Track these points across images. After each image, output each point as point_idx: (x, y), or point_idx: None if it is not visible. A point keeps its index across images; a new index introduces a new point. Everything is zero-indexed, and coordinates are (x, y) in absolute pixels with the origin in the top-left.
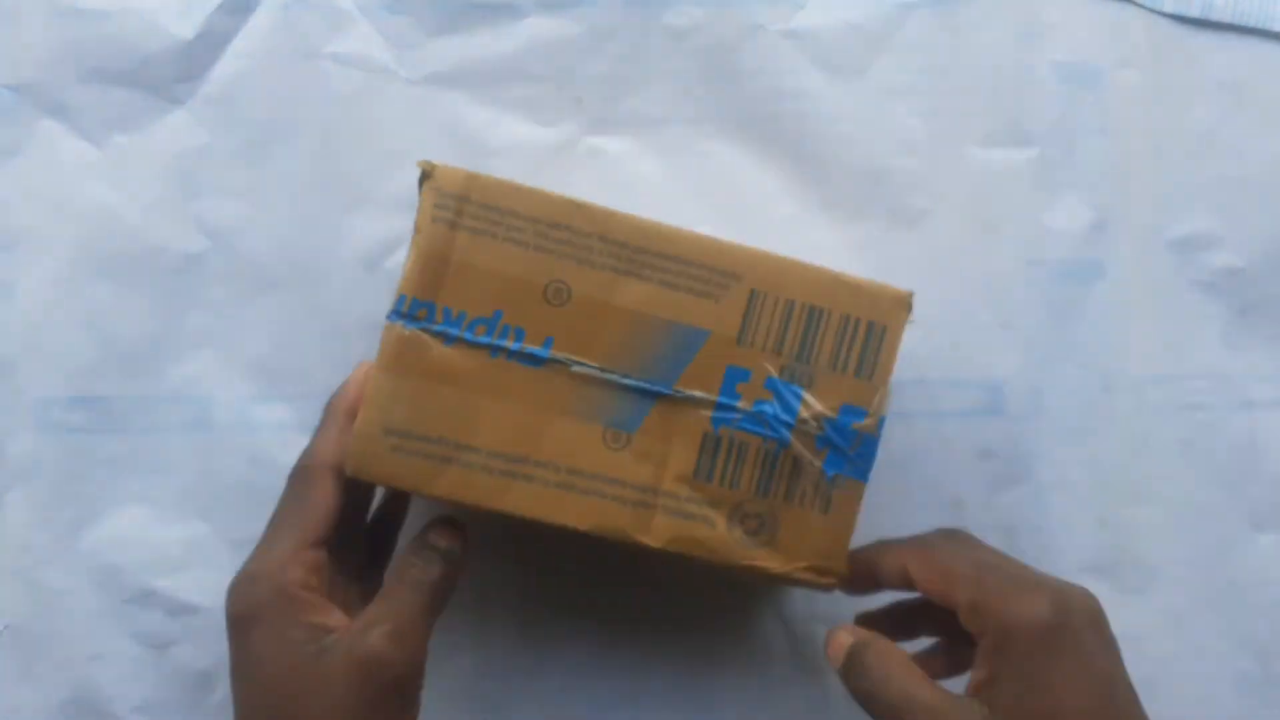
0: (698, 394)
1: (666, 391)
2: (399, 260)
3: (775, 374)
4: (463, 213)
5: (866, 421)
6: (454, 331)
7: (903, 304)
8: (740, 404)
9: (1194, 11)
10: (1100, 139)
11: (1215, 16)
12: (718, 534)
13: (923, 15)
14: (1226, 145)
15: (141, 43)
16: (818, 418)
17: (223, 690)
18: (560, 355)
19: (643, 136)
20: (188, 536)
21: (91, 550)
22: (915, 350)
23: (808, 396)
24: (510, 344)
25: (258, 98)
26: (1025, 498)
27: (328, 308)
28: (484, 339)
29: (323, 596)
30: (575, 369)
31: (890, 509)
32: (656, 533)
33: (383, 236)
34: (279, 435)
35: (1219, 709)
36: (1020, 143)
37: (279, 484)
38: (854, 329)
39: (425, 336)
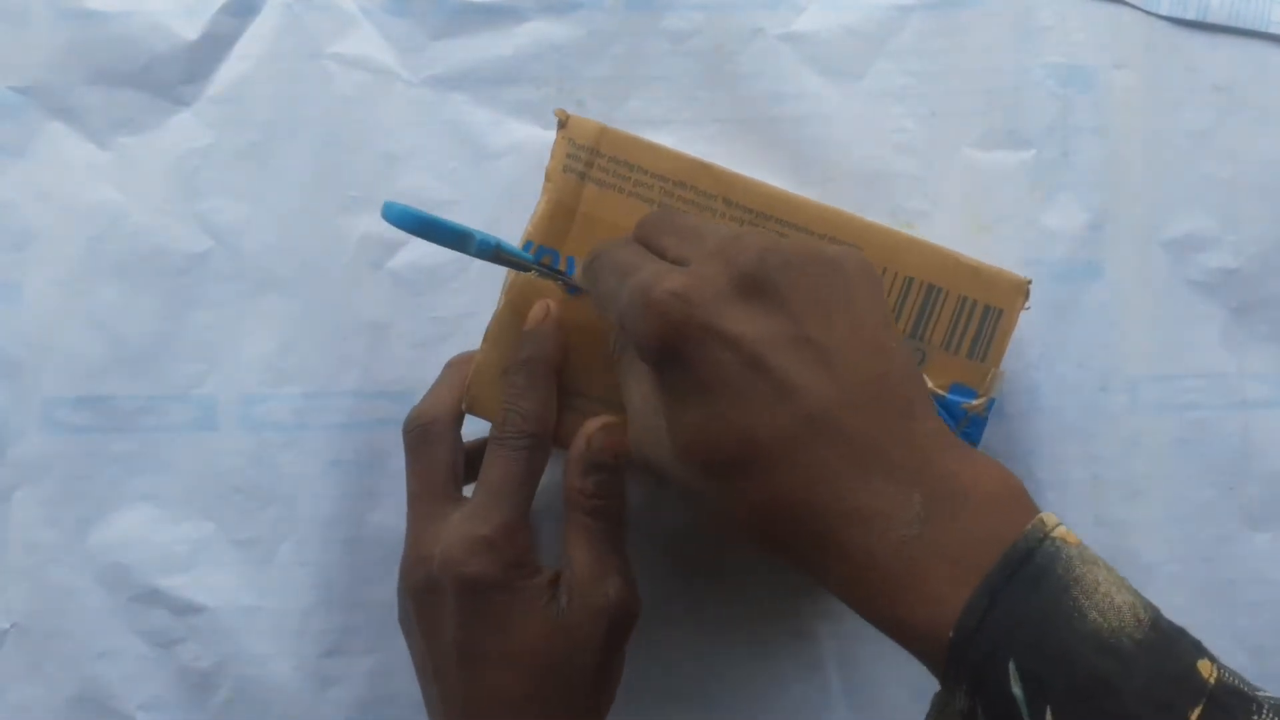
0: None
1: None
2: (402, 260)
3: None
4: (592, 165)
5: (976, 402)
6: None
7: (1020, 290)
8: None
9: (1189, 13)
10: (1096, 140)
11: (1211, 18)
12: None
13: (920, 19)
14: (1222, 146)
15: (147, 44)
16: (934, 395)
17: (227, 689)
18: None
19: (644, 138)
20: (193, 536)
21: (98, 549)
22: None
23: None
24: None
25: (262, 99)
26: None
27: (332, 307)
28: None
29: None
30: None
31: None
32: None
33: (386, 237)
34: (284, 435)
35: None
36: (1017, 144)
37: (282, 484)
38: (970, 311)
39: (548, 283)
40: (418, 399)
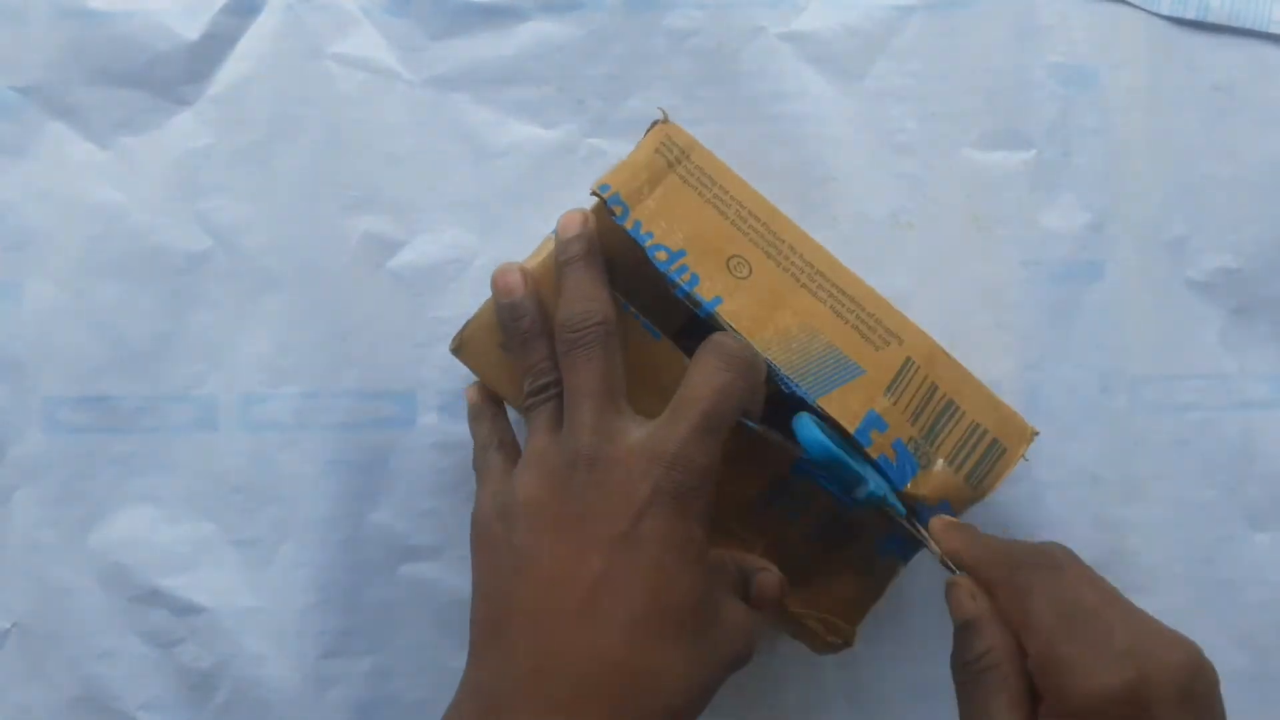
0: (835, 418)
1: (809, 402)
2: (402, 260)
3: (906, 441)
4: (680, 162)
5: (945, 520)
6: (640, 240)
7: (1025, 437)
8: (869, 449)
9: (1190, 13)
10: (1097, 140)
11: (1211, 18)
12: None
13: (920, 18)
14: (1223, 146)
15: (147, 44)
16: (919, 500)
17: (227, 689)
18: (723, 317)
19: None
20: (193, 536)
21: (98, 549)
22: None
23: (921, 476)
24: (684, 283)
25: (262, 99)
26: (1022, 497)
27: (332, 307)
28: (663, 265)
29: None
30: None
31: None
32: None
33: (386, 236)
34: (283, 435)
35: None
36: (1017, 144)
37: (282, 484)
38: (979, 438)
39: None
40: (418, 398)
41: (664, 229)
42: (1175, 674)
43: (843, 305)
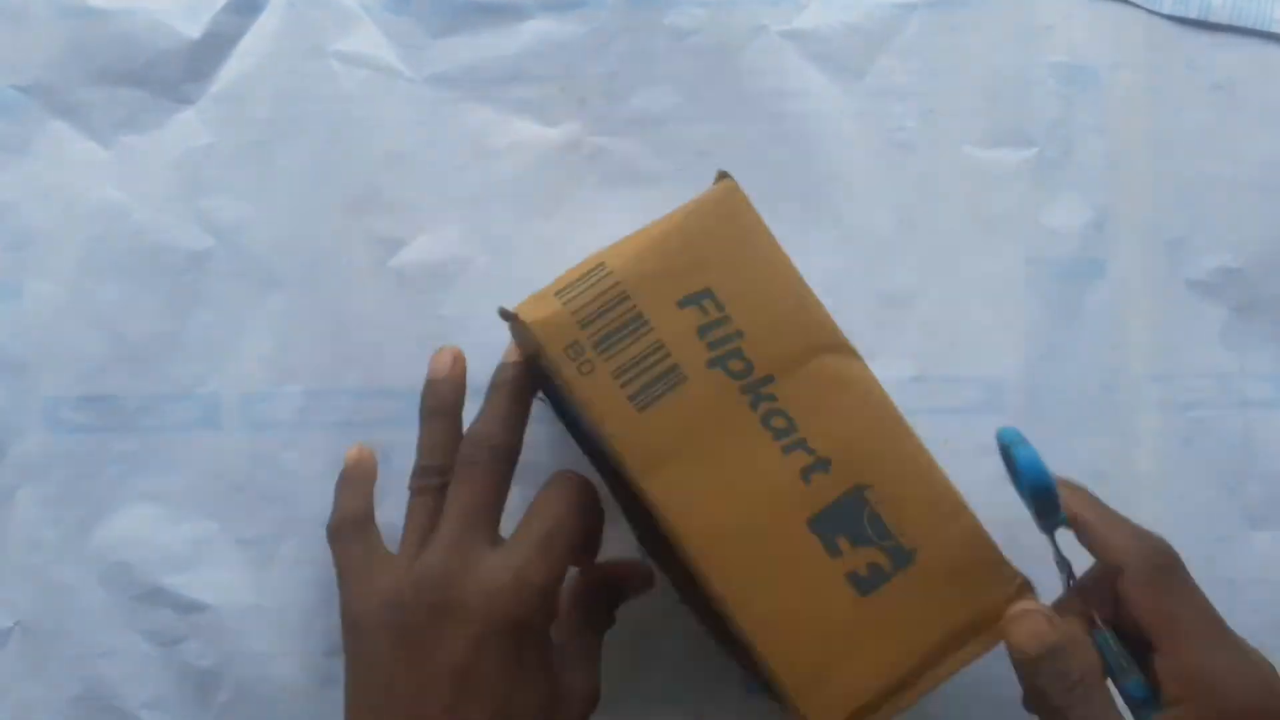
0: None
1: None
2: (405, 259)
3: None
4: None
5: None
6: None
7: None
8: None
9: (1192, 12)
10: (1099, 139)
11: (1213, 17)
12: None
13: (922, 16)
14: (1225, 145)
15: (149, 42)
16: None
17: (229, 688)
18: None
19: (646, 136)
20: (195, 535)
21: (101, 548)
22: (915, 348)
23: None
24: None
25: (264, 97)
26: None
27: (334, 306)
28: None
29: None
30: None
31: None
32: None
33: (388, 235)
34: (286, 433)
35: None
36: (1019, 143)
37: (284, 482)
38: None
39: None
40: (418, 397)
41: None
42: None
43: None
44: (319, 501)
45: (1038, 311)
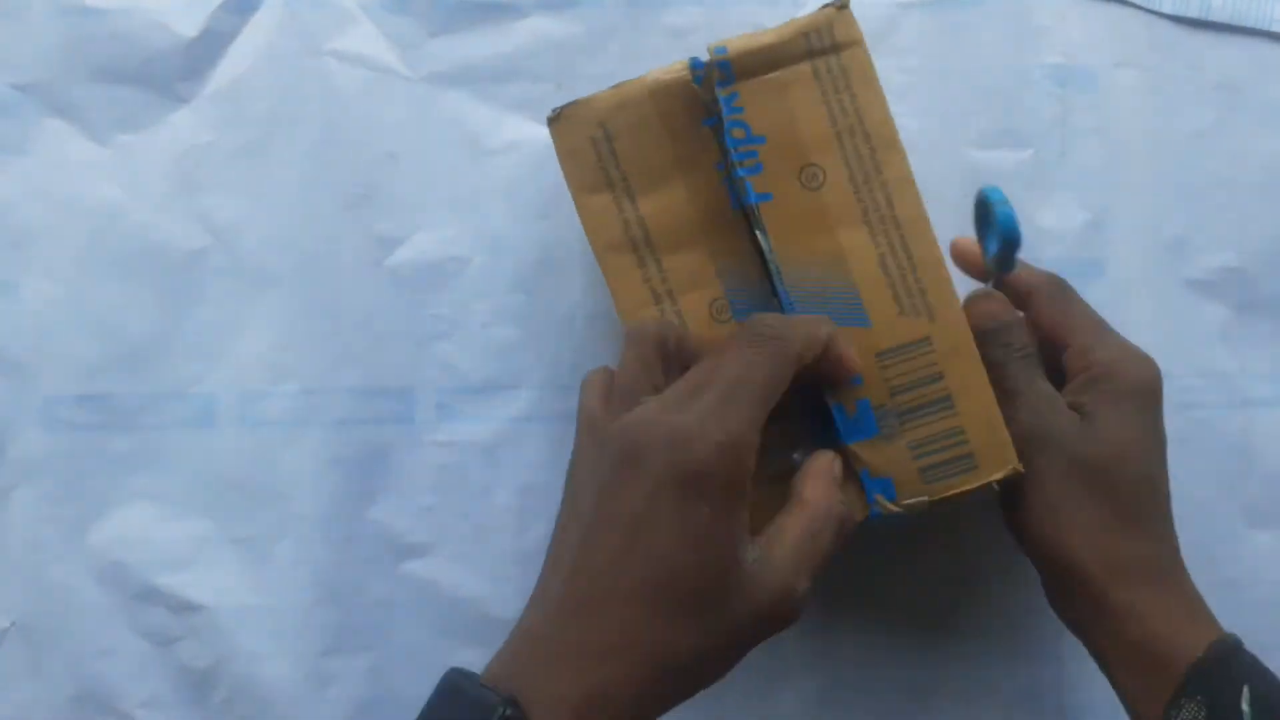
0: None
1: (785, 305)
2: (402, 257)
3: (874, 406)
4: (823, 54)
5: (886, 503)
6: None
7: (1003, 465)
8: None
9: (1192, 12)
10: (1096, 140)
11: (1213, 17)
12: None
13: (919, 17)
14: (1224, 145)
15: (146, 41)
16: (862, 463)
17: (226, 687)
18: (762, 213)
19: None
20: (192, 534)
21: (97, 547)
22: None
23: (874, 443)
24: (743, 166)
25: (261, 96)
26: None
27: (330, 304)
28: (733, 142)
29: None
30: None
31: None
32: None
33: (385, 234)
34: (282, 432)
35: None
36: (1015, 144)
37: (281, 481)
38: (956, 443)
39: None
40: (417, 396)
41: (758, 111)
42: (1161, 383)
43: (894, 260)
44: (316, 500)
45: None
